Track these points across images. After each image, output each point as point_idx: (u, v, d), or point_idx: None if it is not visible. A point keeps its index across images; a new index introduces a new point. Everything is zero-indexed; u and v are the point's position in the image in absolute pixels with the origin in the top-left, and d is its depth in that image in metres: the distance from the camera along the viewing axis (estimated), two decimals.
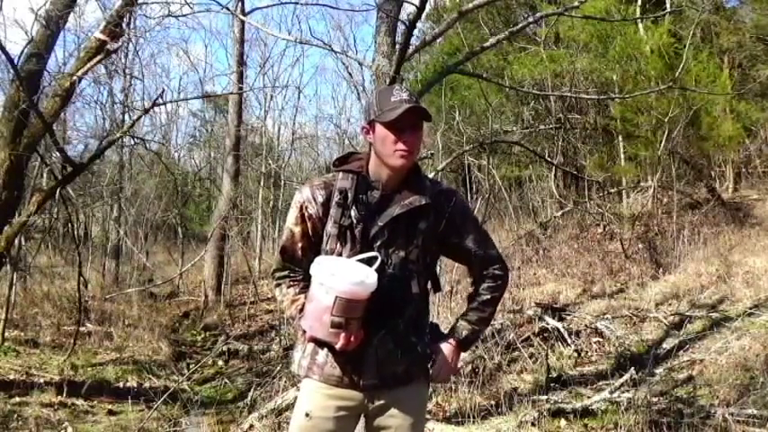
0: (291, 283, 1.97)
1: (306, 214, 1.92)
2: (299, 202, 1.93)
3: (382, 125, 1.83)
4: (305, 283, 1.94)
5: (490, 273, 2.00)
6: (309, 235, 1.93)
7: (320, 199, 1.90)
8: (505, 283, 2.04)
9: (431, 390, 4.72)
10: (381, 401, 1.92)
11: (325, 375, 1.91)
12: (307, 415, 1.92)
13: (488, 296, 1.99)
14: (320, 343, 1.87)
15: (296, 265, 1.97)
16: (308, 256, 1.93)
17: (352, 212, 1.86)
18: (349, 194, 1.87)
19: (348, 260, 1.82)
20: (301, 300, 1.91)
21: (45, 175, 9.33)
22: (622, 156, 11.48)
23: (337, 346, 1.80)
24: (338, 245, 1.87)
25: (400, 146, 1.82)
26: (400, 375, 1.90)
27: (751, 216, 10.11)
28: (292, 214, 1.95)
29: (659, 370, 5.20)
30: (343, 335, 1.77)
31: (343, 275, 1.74)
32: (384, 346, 1.87)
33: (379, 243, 1.86)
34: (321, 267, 1.80)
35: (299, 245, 1.94)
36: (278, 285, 2.00)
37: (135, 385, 5.95)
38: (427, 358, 1.95)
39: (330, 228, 1.88)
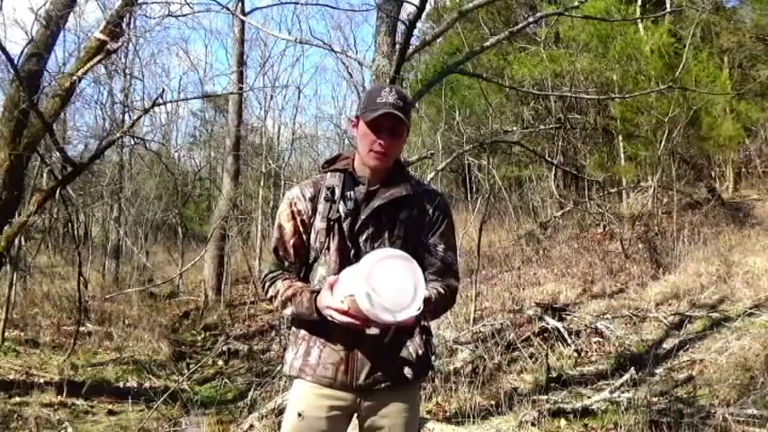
0: (286, 277, 1.96)
1: (295, 210, 1.95)
2: (289, 199, 1.97)
3: (364, 123, 1.88)
4: (298, 279, 1.95)
5: (446, 282, 1.94)
6: (301, 232, 1.94)
7: (308, 195, 1.95)
8: (453, 301, 1.99)
9: (431, 390, 4.77)
10: (373, 401, 1.92)
11: (318, 376, 1.91)
12: (299, 415, 1.92)
13: (442, 291, 1.90)
14: (319, 321, 1.83)
15: (289, 266, 1.97)
16: (300, 258, 1.95)
17: (340, 207, 1.90)
18: (336, 191, 1.92)
19: (412, 282, 1.73)
20: (299, 285, 1.90)
21: (45, 175, 9.32)
22: (622, 156, 11.48)
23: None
24: (327, 239, 1.90)
25: (375, 146, 1.86)
26: (392, 375, 1.90)
27: (751, 216, 10.11)
28: (283, 211, 1.97)
29: (659, 370, 5.20)
30: (344, 318, 1.73)
31: (381, 294, 1.67)
32: (376, 347, 1.87)
33: (364, 236, 1.89)
34: (386, 270, 1.70)
35: (291, 242, 1.95)
36: (272, 283, 1.96)
37: (135, 385, 5.95)
38: (419, 358, 1.91)
39: (318, 223, 1.92)
